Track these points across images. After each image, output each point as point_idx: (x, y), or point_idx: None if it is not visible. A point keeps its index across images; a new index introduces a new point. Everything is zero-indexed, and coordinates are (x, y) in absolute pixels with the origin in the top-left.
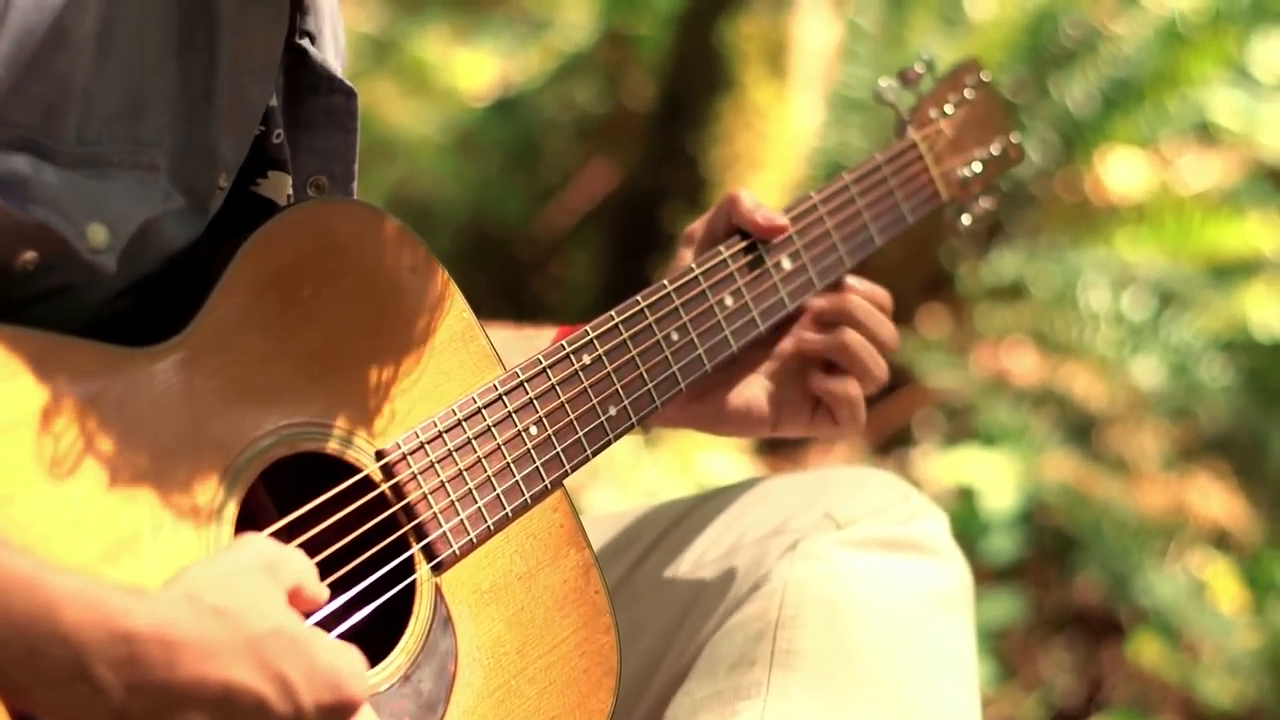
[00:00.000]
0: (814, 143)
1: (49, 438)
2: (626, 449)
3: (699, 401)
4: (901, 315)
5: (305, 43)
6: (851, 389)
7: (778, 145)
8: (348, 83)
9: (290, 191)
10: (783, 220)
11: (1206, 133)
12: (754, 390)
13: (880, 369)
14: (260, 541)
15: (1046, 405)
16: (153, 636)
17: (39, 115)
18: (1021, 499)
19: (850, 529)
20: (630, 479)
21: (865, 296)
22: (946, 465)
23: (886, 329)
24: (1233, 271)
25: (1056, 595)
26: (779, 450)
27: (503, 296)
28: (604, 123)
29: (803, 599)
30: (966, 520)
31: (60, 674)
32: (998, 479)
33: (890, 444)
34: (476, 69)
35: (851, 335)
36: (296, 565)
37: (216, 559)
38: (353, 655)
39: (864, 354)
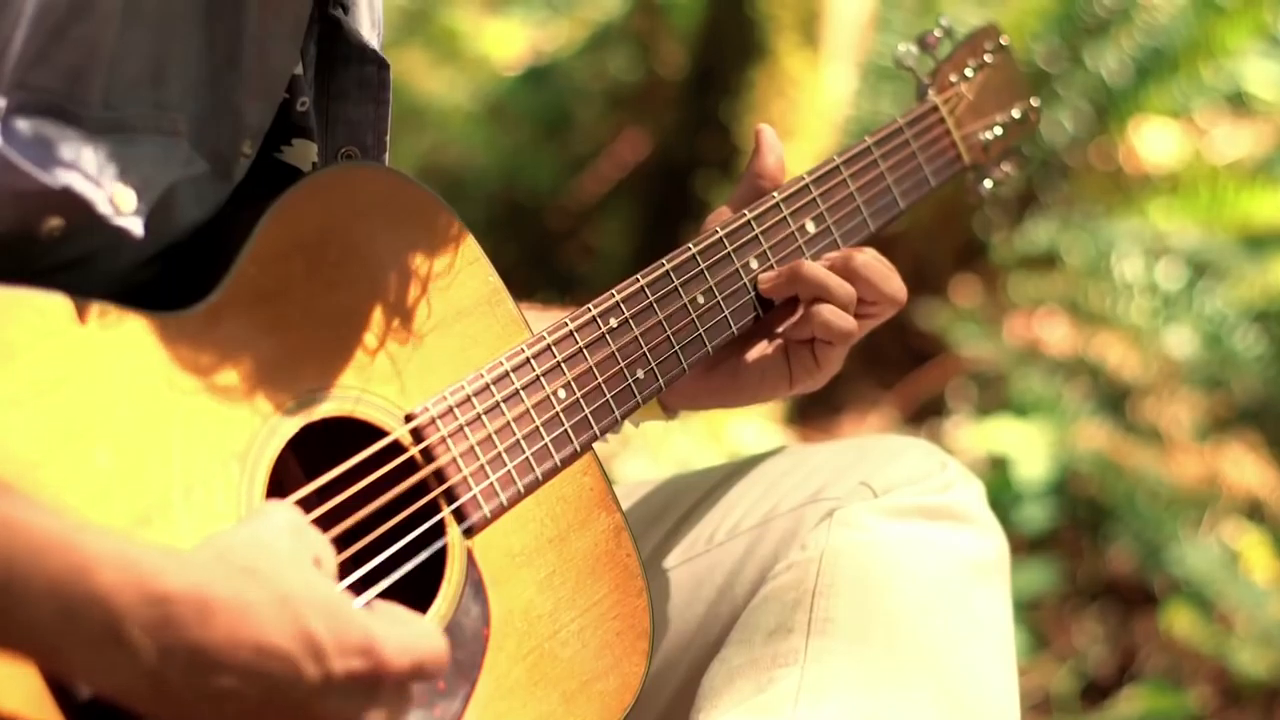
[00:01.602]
0: (847, 111)
1: (76, 402)
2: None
3: (716, 374)
4: (934, 285)
5: (338, 13)
6: (832, 315)
7: (810, 114)
8: (380, 53)
9: (316, 159)
10: (780, 175)
11: (1240, 102)
12: (763, 351)
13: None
14: (285, 508)
15: (1079, 375)
16: (186, 598)
17: (65, 81)
18: (1054, 469)
19: (887, 497)
20: (661, 448)
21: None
22: (979, 435)
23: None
24: (1266, 241)
25: (1089, 565)
26: (811, 420)
27: (534, 266)
28: (636, 91)
29: (839, 567)
30: (999, 490)
31: (94, 636)
32: (1030, 449)
33: (923, 414)
34: (508, 38)
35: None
36: (316, 536)
37: (244, 524)
38: (405, 625)
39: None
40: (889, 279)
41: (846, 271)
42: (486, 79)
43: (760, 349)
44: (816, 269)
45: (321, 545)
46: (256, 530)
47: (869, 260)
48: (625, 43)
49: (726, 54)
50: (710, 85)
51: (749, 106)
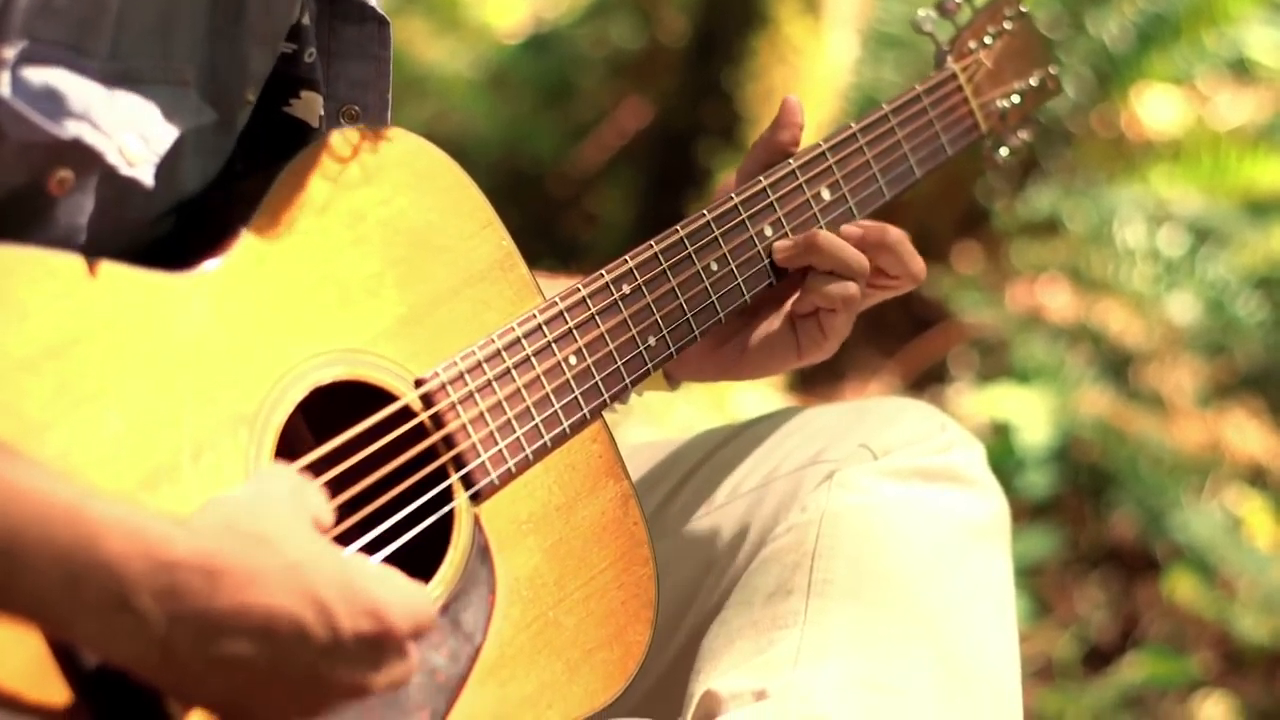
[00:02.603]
0: (849, 79)
1: (87, 363)
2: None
3: (725, 347)
4: (937, 252)
5: None
6: (838, 286)
7: (812, 81)
8: (380, 11)
9: (322, 113)
10: (792, 149)
11: (1243, 69)
12: (771, 323)
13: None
14: (282, 470)
15: (1082, 342)
16: (195, 565)
17: (73, 31)
18: (1056, 435)
19: (887, 459)
20: (664, 416)
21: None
22: (981, 401)
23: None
24: (1269, 208)
25: (1092, 531)
26: (813, 387)
27: (536, 234)
28: (637, 59)
29: (839, 529)
30: (1001, 457)
31: (102, 604)
32: (1032, 415)
33: (925, 380)
34: (509, 6)
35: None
36: (315, 495)
37: (247, 488)
38: (406, 587)
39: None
40: (915, 257)
41: (881, 242)
42: (487, 47)
43: (768, 321)
44: (832, 239)
45: (319, 506)
46: (260, 494)
47: (904, 236)
48: (626, 10)
49: (728, 21)
50: (712, 53)
51: (750, 74)
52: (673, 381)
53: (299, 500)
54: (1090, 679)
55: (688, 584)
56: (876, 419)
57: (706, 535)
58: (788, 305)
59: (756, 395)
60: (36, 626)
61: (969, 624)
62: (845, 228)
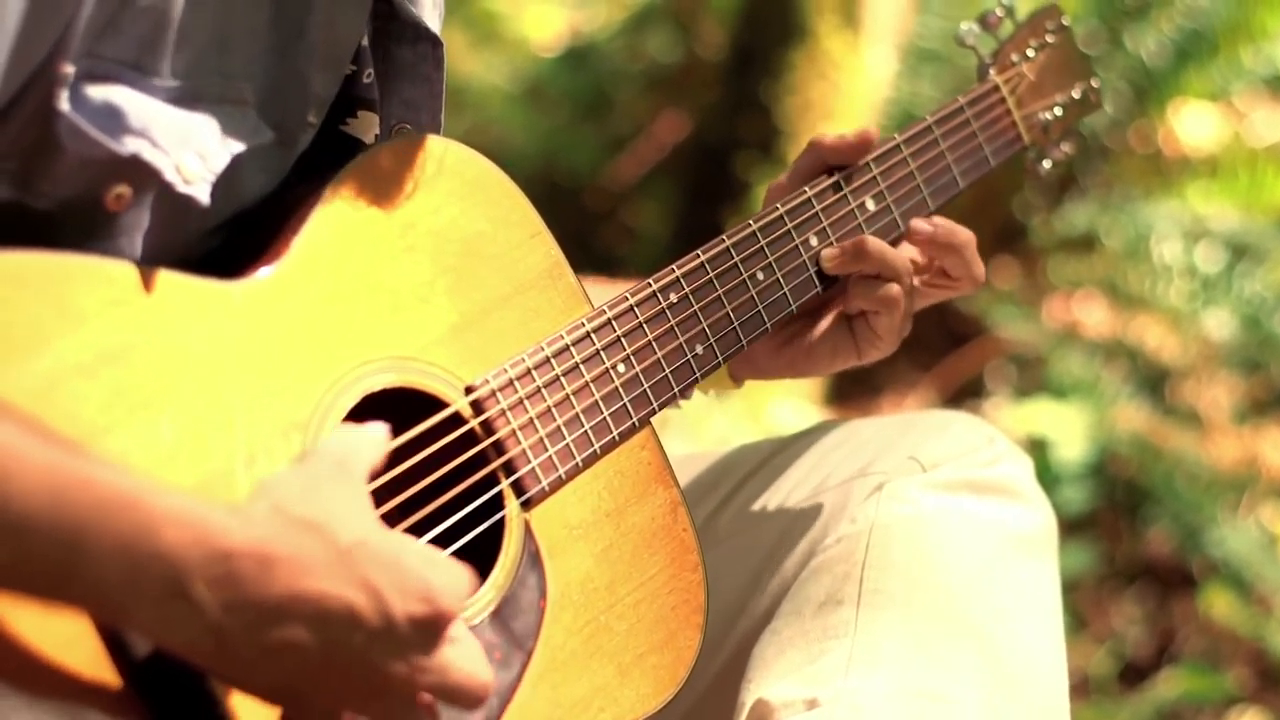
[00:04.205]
0: (886, 93)
1: (143, 369)
2: (696, 397)
3: (788, 348)
4: None
5: None
6: (888, 290)
7: (850, 95)
8: (435, 32)
9: (377, 131)
10: (867, 133)
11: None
12: (828, 326)
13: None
14: (332, 443)
15: (1118, 357)
16: (249, 553)
17: (134, 50)
18: (1093, 451)
19: (935, 471)
20: (700, 428)
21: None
22: (1018, 417)
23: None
24: None
25: (1128, 547)
26: (850, 401)
27: (573, 247)
28: (675, 72)
29: (889, 541)
30: (1038, 472)
31: (159, 592)
32: (1069, 431)
33: (961, 395)
34: (546, 19)
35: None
36: (365, 453)
37: (295, 470)
38: (453, 570)
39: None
40: (978, 262)
41: (950, 243)
42: (525, 60)
43: (826, 323)
44: (880, 244)
45: (369, 458)
46: (308, 478)
47: (973, 239)
48: (664, 23)
49: (766, 35)
50: (750, 66)
51: (788, 88)
52: (738, 380)
53: (347, 471)
54: (1126, 695)
55: (737, 593)
56: (924, 431)
57: (756, 545)
58: (838, 310)
59: (791, 408)
60: (93, 614)
61: (1018, 635)
62: (917, 223)
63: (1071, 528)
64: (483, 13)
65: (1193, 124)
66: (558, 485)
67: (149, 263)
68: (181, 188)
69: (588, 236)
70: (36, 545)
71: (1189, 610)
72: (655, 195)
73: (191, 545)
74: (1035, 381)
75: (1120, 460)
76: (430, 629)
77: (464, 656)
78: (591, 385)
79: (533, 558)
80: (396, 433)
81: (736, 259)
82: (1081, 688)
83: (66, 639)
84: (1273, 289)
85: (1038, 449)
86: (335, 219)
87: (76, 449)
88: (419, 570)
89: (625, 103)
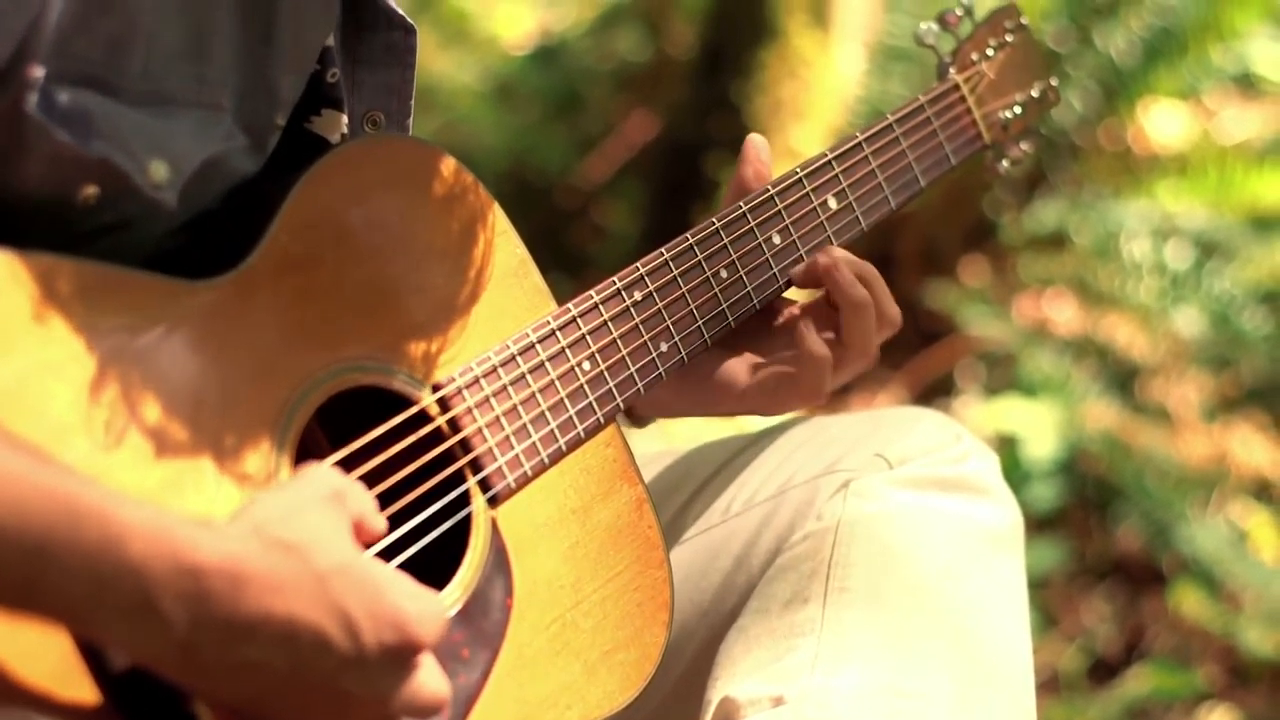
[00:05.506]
0: (856, 91)
1: (109, 370)
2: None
3: (690, 382)
4: (943, 265)
5: None
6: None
7: (820, 94)
8: (407, 19)
9: (344, 130)
10: (759, 185)
11: (1249, 84)
12: (746, 365)
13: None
14: (324, 472)
15: (1088, 355)
16: (220, 570)
17: (105, 51)
18: (1062, 448)
19: (902, 468)
20: (673, 426)
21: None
22: (988, 414)
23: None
24: (1274, 222)
25: (1097, 544)
26: None
27: (543, 246)
28: (645, 71)
29: (855, 538)
30: (1008, 469)
31: (127, 606)
32: (1039, 428)
33: (932, 393)
34: (516, 18)
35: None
36: (360, 496)
37: (283, 490)
38: (426, 598)
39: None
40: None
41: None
42: (495, 59)
43: (739, 361)
44: (844, 271)
45: (363, 502)
46: (294, 500)
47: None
48: (634, 22)
49: (736, 34)
50: (720, 65)
51: (759, 87)
52: (640, 421)
53: (338, 505)
54: (1095, 691)
55: (704, 592)
56: (891, 429)
57: (722, 543)
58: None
59: None
60: (64, 626)
61: (985, 631)
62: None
63: (1041, 525)
64: (453, 11)
65: (1162, 122)
66: (524, 482)
67: (117, 261)
68: (149, 191)
69: (558, 235)
70: (1, 555)
71: (1159, 607)
72: (625, 194)
73: (158, 559)
74: (1005, 379)
75: (1090, 457)
76: (400, 656)
77: (430, 679)
78: (557, 383)
79: (499, 555)
80: (363, 431)
81: (700, 257)
82: (1051, 684)
83: (42, 651)
84: (1241, 286)
85: (1008, 446)
86: (301, 218)
87: (44, 457)
88: (394, 598)
89: (595, 102)
